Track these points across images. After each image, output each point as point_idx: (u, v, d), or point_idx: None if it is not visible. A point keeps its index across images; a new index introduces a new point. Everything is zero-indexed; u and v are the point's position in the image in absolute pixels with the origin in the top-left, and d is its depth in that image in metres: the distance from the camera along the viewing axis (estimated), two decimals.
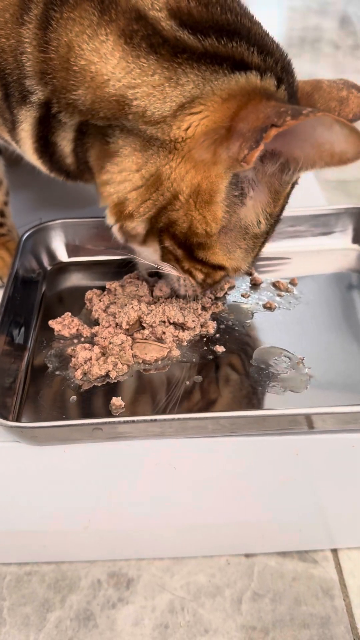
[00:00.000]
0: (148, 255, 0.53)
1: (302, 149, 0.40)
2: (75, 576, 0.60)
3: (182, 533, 0.59)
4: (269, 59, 0.44)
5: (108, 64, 0.43)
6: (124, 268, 0.64)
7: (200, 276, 0.52)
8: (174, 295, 0.60)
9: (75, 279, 0.66)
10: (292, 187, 0.50)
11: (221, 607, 0.58)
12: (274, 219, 0.50)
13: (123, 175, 0.46)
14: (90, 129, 0.47)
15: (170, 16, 0.42)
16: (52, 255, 0.67)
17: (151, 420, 0.46)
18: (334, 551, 0.62)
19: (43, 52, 0.44)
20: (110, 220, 0.50)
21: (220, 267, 0.51)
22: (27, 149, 0.52)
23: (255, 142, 0.38)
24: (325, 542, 0.62)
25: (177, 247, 0.49)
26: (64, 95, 0.45)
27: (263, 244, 0.52)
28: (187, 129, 0.43)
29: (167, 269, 0.53)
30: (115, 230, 0.51)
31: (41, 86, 0.46)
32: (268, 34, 0.46)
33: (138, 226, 0.49)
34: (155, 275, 0.61)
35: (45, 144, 0.51)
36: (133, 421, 0.46)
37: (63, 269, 0.67)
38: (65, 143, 0.50)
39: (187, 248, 0.49)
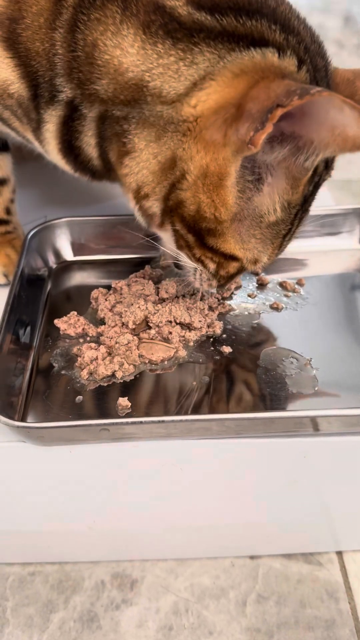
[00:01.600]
0: (167, 241, 0.52)
1: (316, 131, 0.39)
2: (79, 577, 0.59)
3: (186, 534, 0.59)
4: (292, 38, 0.42)
5: (128, 55, 0.43)
6: (130, 267, 0.63)
7: (212, 266, 0.50)
8: (180, 295, 0.60)
9: (80, 278, 0.66)
10: (321, 176, 0.47)
11: (225, 609, 0.57)
12: (295, 208, 0.47)
13: (141, 165, 0.47)
14: (108, 130, 0.47)
15: (187, 2, 0.42)
16: (57, 254, 0.67)
17: (159, 422, 0.45)
18: (339, 554, 0.62)
19: (72, 51, 0.45)
20: (130, 204, 0.50)
21: (233, 257, 0.49)
22: (51, 149, 0.52)
23: (261, 123, 0.37)
24: (331, 544, 0.62)
25: (187, 231, 0.48)
26: (87, 87, 0.46)
27: (287, 236, 0.49)
28: (195, 105, 0.42)
29: (184, 258, 0.52)
30: (135, 212, 0.51)
31: (69, 83, 0.47)
32: (298, 16, 0.45)
33: (153, 205, 0.49)
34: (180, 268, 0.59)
35: (69, 147, 0.51)
36: (140, 422, 0.45)
37: (69, 267, 0.66)
38: (90, 149, 0.50)
39: (197, 233, 0.48)
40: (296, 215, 0.48)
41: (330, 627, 0.56)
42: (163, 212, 0.48)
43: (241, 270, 0.52)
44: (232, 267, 0.50)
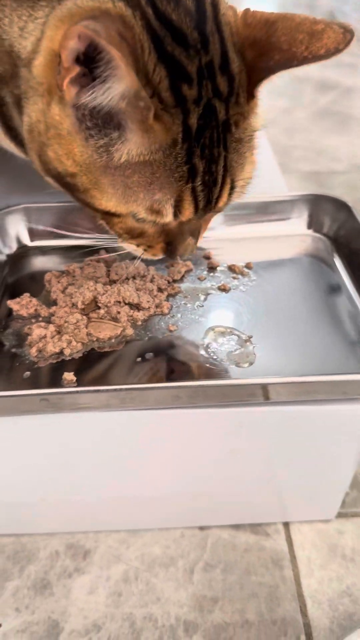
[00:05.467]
0: None
1: (102, 66, 0.37)
2: (35, 548, 0.62)
3: (138, 506, 0.62)
4: None
5: (6, 24, 0.45)
6: (87, 252, 0.66)
7: (102, 222, 0.50)
8: (131, 277, 0.62)
9: (38, 263, 0.68)
10: (205, 105, 0.43)
11: (174, 577, 0.60)
12: (177, 148, 0.43)
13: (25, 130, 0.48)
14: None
15: None
16: (15, 240, 0.69)
17: (94, 391, 0.48)
18: (286, 525, 0.65)
19: None
20: None
21: (111, 214, 0.47)
22: None
23: (63, 67, 0.38)
24: (278, 515, 0.64)
25: (64, 189, 0.48)
26: None
27: (195, 179, 0.44)
28: (37, 65, 0.43)
29: None
30: None
31: None
32: None
33: (40, 171, 0.49)
34: None
35: (10, 128, 0.53)
36: (77, 392, 0.48)
37: (26, 253, 0.69)
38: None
39: (69, 191, 0.47)
40: (190, 153, 0.43)
41: (273, 593, 0.59)
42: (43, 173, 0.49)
43: (147, 226, 0.48)
44: (118, 222, 0.48)
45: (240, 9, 0.47)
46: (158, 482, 0.59)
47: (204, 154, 0.44)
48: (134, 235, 0.50)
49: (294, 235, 0.71)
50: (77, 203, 0.49)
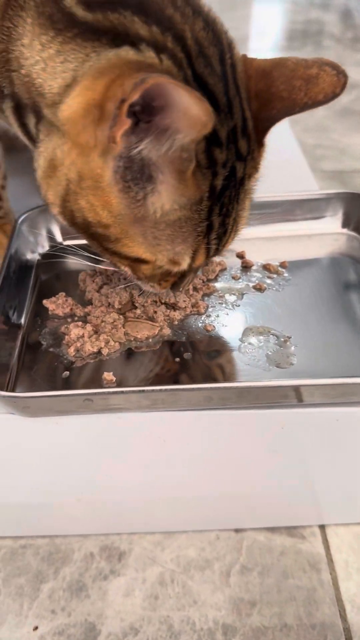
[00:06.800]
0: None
1: (167, 117, 0.37)
2: (69, 549, 0.61)
3: (173, 507, 0.61)
4: (157, 28, 0.41)
5: (25, 45, 0.44)
6: None
7: (125, 268, 0.49)
8: None
9: (70, 261, 0.68)
10: (231, 168, 0.44)
11: (210, 580, 0.59)
12: (202, 204, 0.44)
13: (38, 163, 0.47)
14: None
15: None
16: (47, 238, 0.68)
17: (139, 392, 0.47)
18: (322, 527, 0.64)
19: (2, 42, 0.45)
20: None
21: (140, 260, 0.47)
22: (16, 128, 0.53)
23: (114, 119, 0.37)
24: (314, 518, 0.63)
25: (87, 238, 0.48)
26: (9, 80, 0.46)
27: (211, 234, 0.46)
28: (65, 110, 0.41)
29: None
30: None
31: (3, 78, 0.47)
32: (184, 2, 0.42)
33: (59, 215, 0.48)
34: None
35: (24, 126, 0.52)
36: (122, 392, 0.47)
37: (58, 251, 0.68)
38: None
39: (95, 240, 0.47)
40: (211, 212, 0.45)
41: (311, 596, 0.58)
42: (63, 219, 0.48)
43: (165, 271, 0.49)
44: (145, 269, 0.48)
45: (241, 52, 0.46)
46: (192, 483, 0.59)
47: (222, 212, 0.46)
48: (155, 278, 0.51)
49: (328, 233, 0.70)
50: (97, 250, 0.50)
